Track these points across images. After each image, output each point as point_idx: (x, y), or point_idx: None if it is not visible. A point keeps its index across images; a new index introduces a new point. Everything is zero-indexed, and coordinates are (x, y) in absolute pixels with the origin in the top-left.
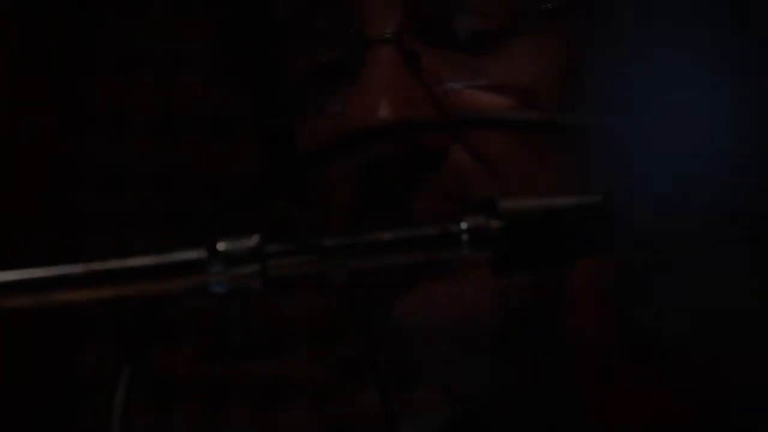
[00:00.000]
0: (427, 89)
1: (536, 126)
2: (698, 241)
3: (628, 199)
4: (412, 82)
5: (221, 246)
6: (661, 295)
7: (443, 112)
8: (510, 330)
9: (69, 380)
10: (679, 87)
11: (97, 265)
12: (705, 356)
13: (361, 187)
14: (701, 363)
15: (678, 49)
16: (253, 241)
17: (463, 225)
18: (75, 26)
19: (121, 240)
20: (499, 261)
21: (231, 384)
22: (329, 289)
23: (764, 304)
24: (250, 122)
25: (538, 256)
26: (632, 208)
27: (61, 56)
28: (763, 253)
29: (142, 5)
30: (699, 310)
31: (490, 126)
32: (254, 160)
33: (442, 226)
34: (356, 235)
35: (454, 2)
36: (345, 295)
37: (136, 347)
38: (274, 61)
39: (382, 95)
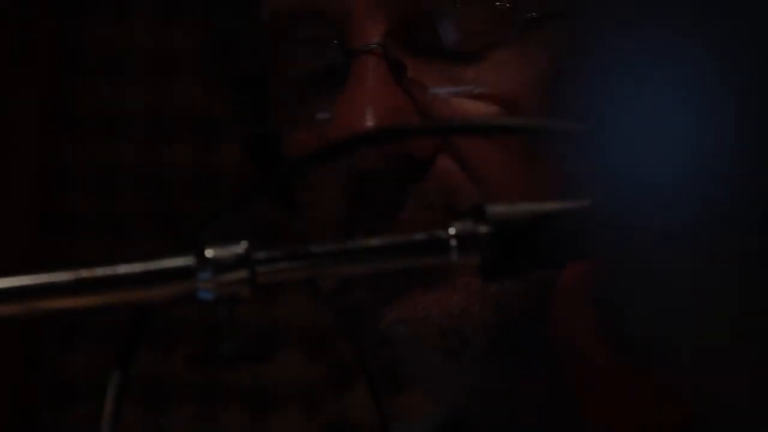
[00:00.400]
0: (413, 99)
1: (525, 131)
2: (686, 245)
3: (616, 204)
4: (397, 92)
5: (209, 253)
6: (648, 299)
7: (429, 120)
8: (500, 337)
9: (57, 385)
10: (665, 93)
11: (85, 273)
12: (692, 360)
13: (349, 195)
14: (688, 366)
15: (664, 55)
16: (242, 247)
17: (452, 230)
18: (65, 29)
19: (114, 242)
20: (488, 266)
21: (224, 387)
22: (317, 295)
23: (752, 309)
24: (238, 129)
25: (526, 260)
26: (620, 213)
27: (52, 59)
28: (752, 257)
29: (131, 7)
30: (686, 314)
31: (480, 132)
32: (245, 164)
33: (431, 232)
34: (344, 241)
35: (439, 12)
36: (332, 302)
37: (125, 353)
38: (263, 68)
39: (367, 105)
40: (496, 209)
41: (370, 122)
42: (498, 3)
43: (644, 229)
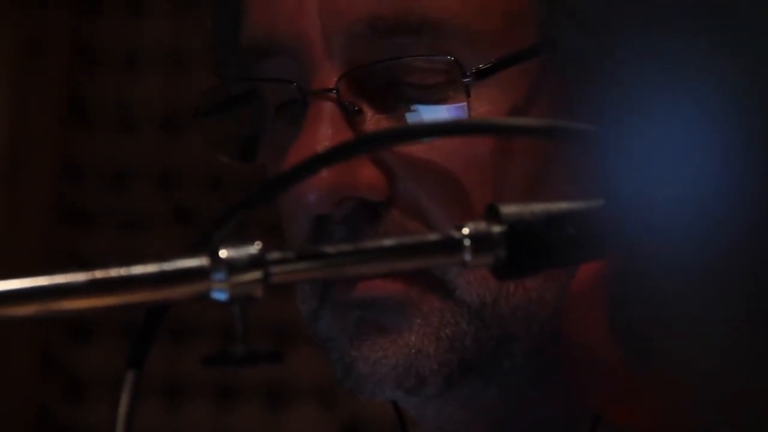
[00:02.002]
0: None
1: (535, 132)
2: (698, 247)
3: (628, 205)
4: (350, 138)
5: (223, 253)
6: (660, 299)
7: (382, 169)
8: (456, 376)
9: (73, 383)
10: (677, 95)
11: (100, 274)
12: (701, 361)
13: (310, 234)
14: (698, 367)
15: (677, 55)
16: (255, 248)
17: (465, 230)
18: (81, 25)
19: (130, 237)
20: (501, 266)
21: (240, 383)
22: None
23: (759, 313)
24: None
25: (540, 261)
26: (632, 213)
27: (68, 54)
28: (760, 261)
29: (147, 3)
30: (697, 315)
31: (487, 132)
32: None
33: (444, 232)
34: (357, 242)
35: (395, 58)
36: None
37: (138, 353)
38: (247, 92)
39: (318, 150)
40: (509, 209)
41: None
42: (449, 57)
43: (656, 231)
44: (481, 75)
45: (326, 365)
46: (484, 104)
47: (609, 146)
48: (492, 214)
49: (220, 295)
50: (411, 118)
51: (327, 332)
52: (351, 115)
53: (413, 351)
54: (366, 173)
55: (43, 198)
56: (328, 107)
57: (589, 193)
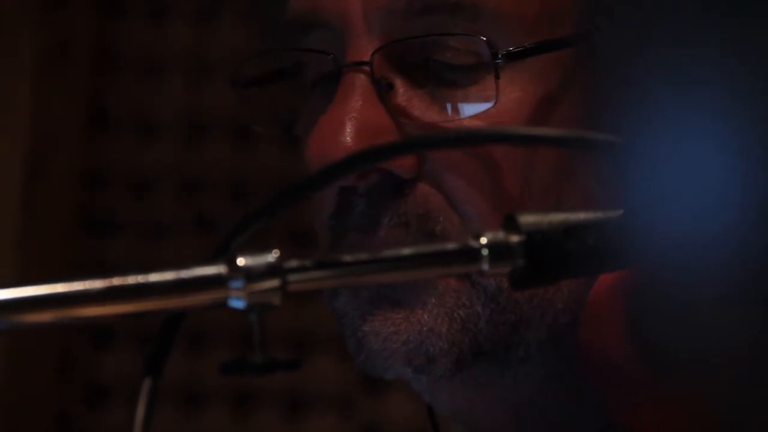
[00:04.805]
0: (395, 119)
1: (562, 143)
2: (718, 257)
3: (649, 215)
4: (380, 111)
5: (241, 261)
6: (679, 310)
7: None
8: (466, 358)
9: (92, 388)
10: (707, 105)
11: (117, 281)
12: (719, 370)
13: (334, 208)
14: (716, 376)
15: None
16: (273, 256)
17: (483, 240)
18: (103, 32)
19: (151, 243)
20: (518, 275)
21: (258, 390)
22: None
23: None
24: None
25: (557, 270)
26: (653, 224)
27: (90, 61)
28: None
29: (169, 10)
30: (715, 325)
31: (504, 142)
32: (282, 165)
33: (462, 242)
34: (376, 250)
35: (431, 35)
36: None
37: (155, 360)
38: (288, 69)
39: (347, 122)
40: (528, 219)
41: (345, 138)
42: (483, 38)
43: (676, 241)
44: (511, 57)
45: (345, 372)
46: (515, 90)
47: (634, 156)
48: (510, 223)
49: (237, 303)
50: (441, 96)
51: (343, 308)
52: (382, 89)
53: (425, 329)
54: None
55: (64, 204)
56: (360, 80)
57: (614, 191)
